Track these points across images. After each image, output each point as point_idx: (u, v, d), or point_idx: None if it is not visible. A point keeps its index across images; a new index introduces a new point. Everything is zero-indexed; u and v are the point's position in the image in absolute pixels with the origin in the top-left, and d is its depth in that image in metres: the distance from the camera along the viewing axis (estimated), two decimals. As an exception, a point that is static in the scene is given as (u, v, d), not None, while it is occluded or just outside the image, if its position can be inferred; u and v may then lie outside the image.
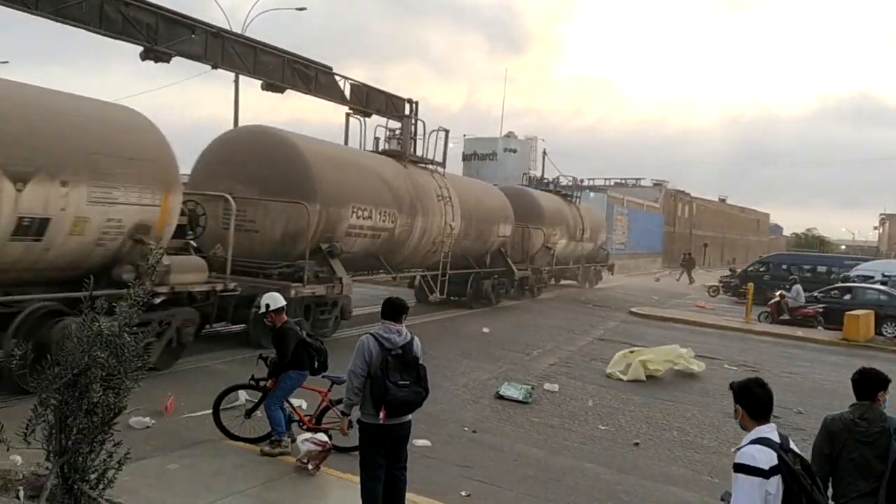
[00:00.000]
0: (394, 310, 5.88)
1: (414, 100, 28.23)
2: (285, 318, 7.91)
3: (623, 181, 64.46)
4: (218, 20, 20.87)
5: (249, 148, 14.95)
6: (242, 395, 8.71)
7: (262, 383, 7.85)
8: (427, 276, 20.82)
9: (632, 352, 14.60)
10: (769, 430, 3.64)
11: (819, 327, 23.67)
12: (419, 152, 21.53)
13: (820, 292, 25.63)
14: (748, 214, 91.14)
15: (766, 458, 3.46)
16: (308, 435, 7.27)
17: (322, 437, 7.21)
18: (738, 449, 3.62)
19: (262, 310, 7.88)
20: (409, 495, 6.05)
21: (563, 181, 34.78)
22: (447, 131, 23.11)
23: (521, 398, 11.24)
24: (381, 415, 5.47)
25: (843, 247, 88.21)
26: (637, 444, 9.77)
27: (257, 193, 14.15)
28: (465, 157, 62.17)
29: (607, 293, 32.48)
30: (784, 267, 31.63)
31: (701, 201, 75.35)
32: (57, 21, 13.42)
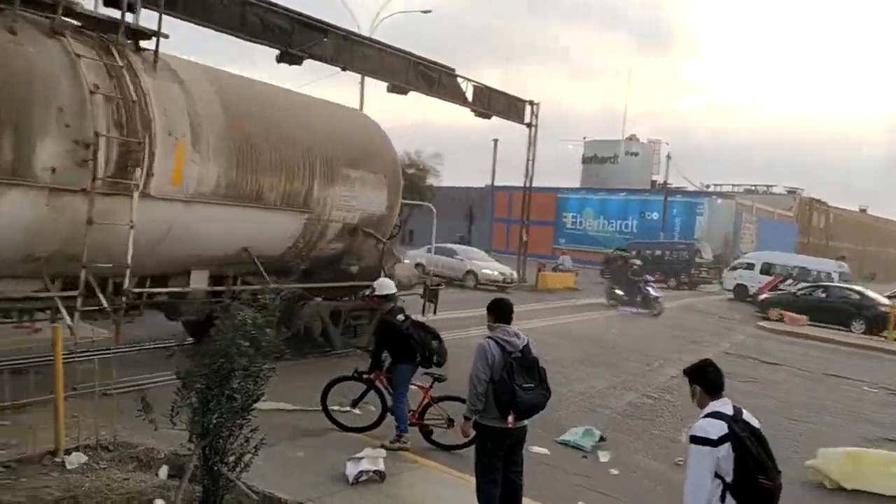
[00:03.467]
0: (508, 311, 5.88)
1: (535, 101, 28.25)
2: (389, 306, 8.09)
3: (753, 188, 61.53)
4: (348, 23, 21.40)
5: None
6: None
7: (364, 376, 8.08)
8: None
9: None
10: (722, 405, 4.10)
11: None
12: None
13: (800, 290, 27.81)
14: (893, 226, 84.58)
15: (716, 429, 3.91)
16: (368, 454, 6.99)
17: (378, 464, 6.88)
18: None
19: (367, 292, 8.15)
20: (525, 501, 5.97)
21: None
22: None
23: (583, 444, 8.96)
24: (510, 419, 5.44)
25: None
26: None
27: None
28: (585, 160, 61.34)
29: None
30: (634, 252, 35.37)
31: (839, 211, 70.71)
32: (201, 25, 14.28)
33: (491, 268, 28.45)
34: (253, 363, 4.54)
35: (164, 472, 5.92)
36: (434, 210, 18.35)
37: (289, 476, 6.50)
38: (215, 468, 4.47)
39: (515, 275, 28.99)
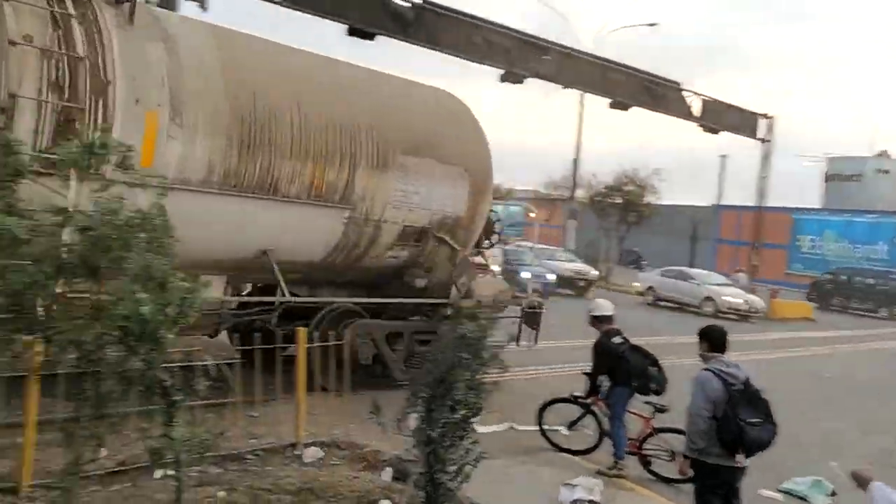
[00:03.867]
0: (723, 339, 5.51)
1: (770, 115, 26.26)
2: (607, 327, 7.89)
3: None
4: (569, 39, 21.34)
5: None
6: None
7: (580, 399, 7.96)
8: None
9: None
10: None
11: None
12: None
13: None
14: None
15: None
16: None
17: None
18: None
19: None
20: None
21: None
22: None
23: (809, 497, 7.74)
24: (740, 458, 5.10)
25: None
26: None
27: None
28: (828, 178, 55.91)
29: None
30: (844, 277, 36.66)
31: None
32: (427, 48, 15.04)
33: (733, 294, 25.77)
34: (475, 376, 4.64)
35: (387, 474, 6.22)
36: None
37: (504, 492, 6.51)
38: (436, 476, 4.60)
39: (762, 303, 26.15)
